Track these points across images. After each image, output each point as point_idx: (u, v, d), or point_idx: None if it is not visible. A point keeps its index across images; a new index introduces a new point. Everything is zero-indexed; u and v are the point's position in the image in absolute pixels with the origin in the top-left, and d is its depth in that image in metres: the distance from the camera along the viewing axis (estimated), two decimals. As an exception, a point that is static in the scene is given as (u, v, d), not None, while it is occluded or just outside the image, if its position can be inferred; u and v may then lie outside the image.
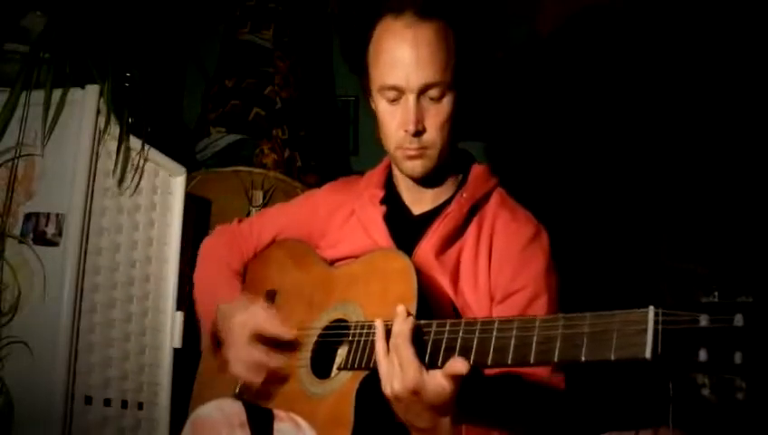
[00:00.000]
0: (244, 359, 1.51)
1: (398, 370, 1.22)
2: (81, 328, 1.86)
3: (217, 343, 1.66)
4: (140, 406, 2.04)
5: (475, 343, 1.20)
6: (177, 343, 2.14)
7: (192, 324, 1.84)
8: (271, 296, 1.67)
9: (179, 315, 2.15)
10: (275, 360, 1.50)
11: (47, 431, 1.77)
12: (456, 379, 1.20)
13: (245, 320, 1.53)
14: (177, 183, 2.23)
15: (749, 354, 0.89)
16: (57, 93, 1.94)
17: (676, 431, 1.08)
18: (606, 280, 2.38)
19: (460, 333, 1.22)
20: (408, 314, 1.27)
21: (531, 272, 1.50)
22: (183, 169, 2.24)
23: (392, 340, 1.24)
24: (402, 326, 1.24)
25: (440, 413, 1.25)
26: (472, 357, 1.19)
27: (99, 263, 1.94)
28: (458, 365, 1.18)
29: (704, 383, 0.90)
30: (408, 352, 1.22)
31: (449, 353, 1.21)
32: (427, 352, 1.24)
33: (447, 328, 1.24)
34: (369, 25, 1.52)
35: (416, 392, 1.21)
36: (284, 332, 1.51)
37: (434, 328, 1.26)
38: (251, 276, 1.77)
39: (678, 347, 0.94)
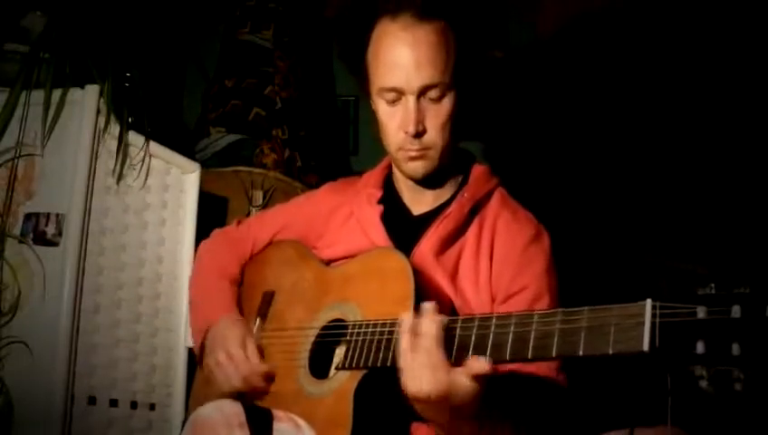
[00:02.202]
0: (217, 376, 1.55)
1: (429, 372, 1.20)
2: (82, 328, 1.85)
3: (201, 360, 1.68)
4: (152, 407, 2.03)
5: (472, 339, 1.20)
6: (191, 343, 2.13)
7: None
8: (268, 297, 1.67)
9: (192, 315, 2.13)
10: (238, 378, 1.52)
11: (47, 431, 1.76)
12: (479, 378, 1.19)
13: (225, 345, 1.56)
14: (191, 180, 2.21)
15: (746, 346, 0.88)
16: (57, 93, 1.93)
17: (675, 429, 1.08)
18: (606, 280, 2.38)
19: (457, 330, 1.22)
20: (436, 313, 1.24)
21: (532, 272, 1.50)
22: (196, 166, 2.22)
23: (421, 339, 1.22)
24: (432, 326, 1.22)
25: (463, 413, 1.24)
26: (469, 353, 1.19)
27: (101, 263, 1.93)
28: (481, 365, 1.17)
29: (701, 375, 0.90)
30: (439, 355, 1.20)
31: (462, 351, 1.21)
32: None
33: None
34: (366, 28, 1.52)
35: (445, 396, 1.20)
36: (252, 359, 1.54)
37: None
38: (248, 278, 1.77)
39: (676, 340, 0.94)
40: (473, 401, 1.21)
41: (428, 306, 1.25)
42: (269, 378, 1.53)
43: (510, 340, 1.15)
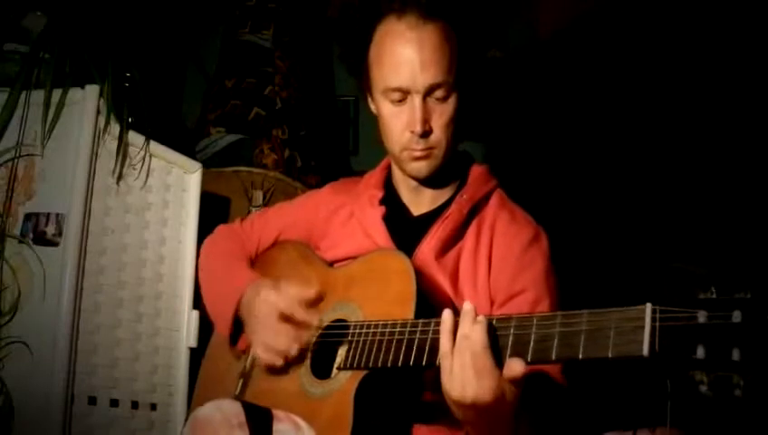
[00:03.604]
0: (269, 343, 1.48)
1: (473, 377, 1.16)
2: (83, 328, 1.85)
3: (232, 338, 1.63)
4: (154, 407, 2.02)
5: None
6: (193, 343, 2.12)
7: (207, 324, 1.82)
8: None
9: (195, 314, 2.13)
10: (298, 346, 1.46)
11: (47, 432, 1.76)
12: (517, 382, 1.16)
13: (274, 300, 1.49)
14: (193, 180, 2.21)
15: (747, 351, 0.88)
16: (57, 93, 1.93)
17: (674, 431, 1.08)
18: (606, 281, 2.38)
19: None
20: (477, 314, 1.21)
21: (531, 275, 1.49)
22: (198, 166, 2.22)
23: (466, 343, 1.18)
24: (478, 330, 1.18)
25: (500, 417, 1.22)
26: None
27: (102, 263, 1.93)
28: (516, 367, 1.14)
29: (701, 380, 0.90)
30: (488, 361, 1.16)
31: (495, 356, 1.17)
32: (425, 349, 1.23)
33: None
34: (370, 27, 1.52)
35: (493, 402, 1.17)
36: (312, 317, 1.47)
37: (431, 327, 1.26)
38: (252, 278, 1.76)
39: (676, 344, 0.93)
40: (513, 403, 1.19)
41: (469, 308, 1.20)
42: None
43: (510, 343, 1.15)
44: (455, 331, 1.20)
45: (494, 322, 1.20)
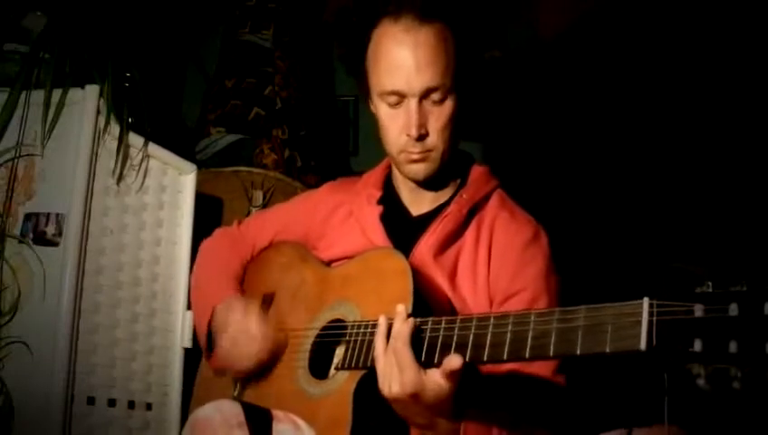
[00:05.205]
0: (239, 355, 1.54)
1: (397, 372, 1.22)
2: (82, 328, 1.85)
3: (209, 347, 1.66)
4: (149, 406, 2.02)
5: (470, 339, 1.20)
6: (188, 343, 2.12)
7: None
8: (268, 299, 1.67)
9: (189, 315, 2.13)
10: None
11: (47, 431, 1.76)
12: (453, 376, 1.20)
13: (240, 319, 1.56)
14: (188, 181, 2.21)
15: (744, 343, 0.88)
16: (57, 93, 1.93)
17: (672, 428, 1.07)
18: (605, 281, 2.37)
19: (456, 330, 1.22)
20: (409, 314, 1.27)
21: (530, 273, 1.49)
22: (193, 167, 2.22)
23: (391, 341, 1.25)
24: (401, 327, 1.24)
25: (439, 412, 1.25)
26: (468, 353, 1.19)
27: (101, 263, 1.94)
28: (453, 362, 1.19)
29: (699, 374, 0.90)
30: (406, 354, 1.22)
31: (445, 351, 1.22)
32: (423, 350, 1.24)
33: (443, 325, 1.24)
34: (366, 30, 1.51)
35: (414, 395, 1.21)
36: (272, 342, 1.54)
37: (429, 325, 1.26)
38: (249, 279, 1.76)
39: (673, 338, 0.93)
40: (447, 400, 1.23)
41: (400, 309, 1.27)
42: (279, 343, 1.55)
43: (508, 340, 1.15)
44: (389, 334, 1.26)
45: (429, 323, 1.26)
